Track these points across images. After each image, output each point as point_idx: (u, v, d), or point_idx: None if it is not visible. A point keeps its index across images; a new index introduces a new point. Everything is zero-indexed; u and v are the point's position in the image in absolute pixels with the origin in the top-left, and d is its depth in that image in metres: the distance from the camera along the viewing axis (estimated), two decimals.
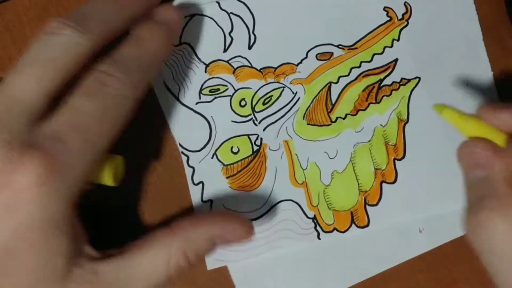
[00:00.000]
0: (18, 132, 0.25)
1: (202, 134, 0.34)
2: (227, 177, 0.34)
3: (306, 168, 0.34)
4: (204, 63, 0.34)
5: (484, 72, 0.34)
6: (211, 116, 0.34)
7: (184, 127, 0.33)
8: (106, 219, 0.33)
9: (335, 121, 0.34)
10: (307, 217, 0.34)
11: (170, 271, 0.27)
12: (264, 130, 0.34)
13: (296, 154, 0.34)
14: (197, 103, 0.33)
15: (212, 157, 0.34)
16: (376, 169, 0.34)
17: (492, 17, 0.35)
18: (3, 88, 0.26)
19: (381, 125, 0.34)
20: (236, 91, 0.34)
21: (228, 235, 0.29)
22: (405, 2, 0.34)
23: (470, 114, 0.28)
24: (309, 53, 0.34)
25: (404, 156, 0.34)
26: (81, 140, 0.26)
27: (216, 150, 0.34)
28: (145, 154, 0.33)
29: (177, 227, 0.28)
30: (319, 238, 0.34)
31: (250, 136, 0.34)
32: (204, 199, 0.33)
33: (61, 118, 0.26)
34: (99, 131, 0.26)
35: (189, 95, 0.33)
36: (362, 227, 0.34)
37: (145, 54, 0.28)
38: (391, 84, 0.34)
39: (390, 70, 0.34)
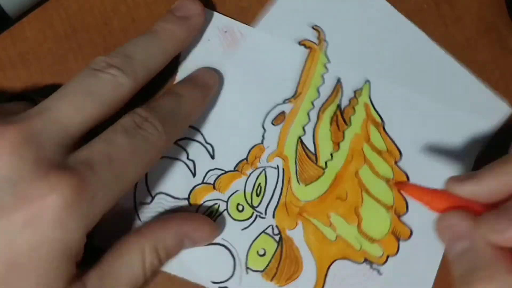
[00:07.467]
0: (48, 152, 0.25)
1: (224, 259, 0.32)
2: (271, 280, 0.33)
3: (331, 224, 0.33)
4: (184, 198, 0.32)
5: (421, 40, 0.34)
6: (222, 238, 0.32)
7: (206, 264, 0.32)
8: None
9: (325, 167, 0.34)
10: (359, 263, 0.33)
11: (146, 272, 0.28)
12: (273, 217, 0.33)
13: (315, 219, 0.33)
14: None
15: (247, 273, 0.32)
16: (387, 180, 0.34)
17: (492, 17, 0.34)
18: (43, 111, 0.26)
19: (365, 142, 0.34)
20: (227, 202, 0.33)
21: (195, 234, 0.30)
22: (312, 26, 0.34)
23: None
24: (264, 125, 0.33)
25: (401, 154, 0.34)
26: (111, 172, 0.26)
27: (246, 265, 0.32)
28: None
29: (147, 229, 0.29)
30: (380, 274, 0.33)
31: (265, 231, 0.33)
32: None
33: (95, 148, 0.26)
34: (129, 169, 0.26)
35: None
36: (408, 238, 0.33)
37: (182, 111, 0.29)
38: (349, 103, 0.34)
39: (339, 91, 0.34)
